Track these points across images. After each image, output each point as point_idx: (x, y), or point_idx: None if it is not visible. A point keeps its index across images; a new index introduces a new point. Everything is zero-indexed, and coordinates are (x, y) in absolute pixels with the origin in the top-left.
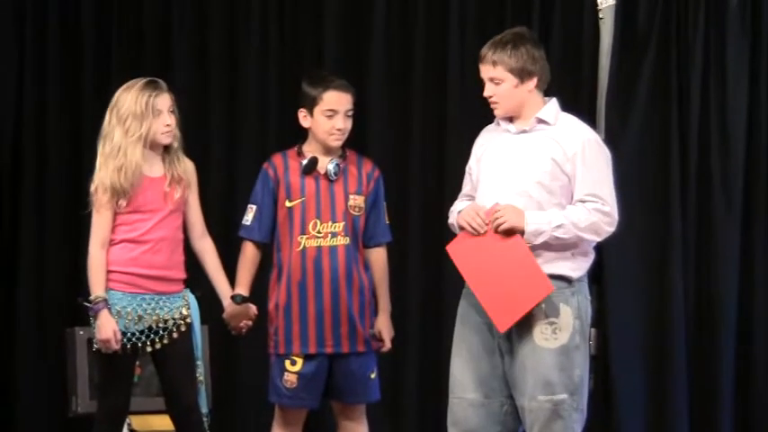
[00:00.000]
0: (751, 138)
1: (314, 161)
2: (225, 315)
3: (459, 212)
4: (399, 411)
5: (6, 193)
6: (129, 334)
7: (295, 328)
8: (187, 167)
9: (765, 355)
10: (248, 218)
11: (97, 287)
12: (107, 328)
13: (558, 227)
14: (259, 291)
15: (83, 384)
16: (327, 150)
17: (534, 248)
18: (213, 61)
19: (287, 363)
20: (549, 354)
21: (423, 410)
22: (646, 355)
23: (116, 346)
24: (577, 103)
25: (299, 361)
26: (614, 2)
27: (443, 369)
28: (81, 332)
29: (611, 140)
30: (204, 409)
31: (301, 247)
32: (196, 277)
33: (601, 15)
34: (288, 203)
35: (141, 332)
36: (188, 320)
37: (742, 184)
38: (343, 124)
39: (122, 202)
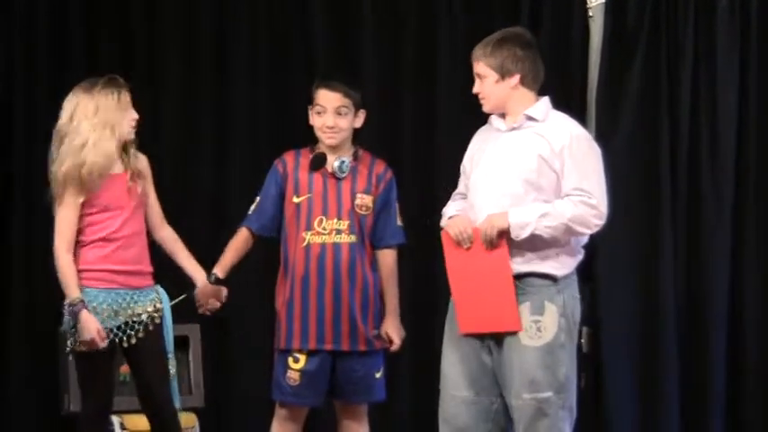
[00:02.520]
0: (741, 135)
1: (320, 157)
2: (196, 291)
3: (449, 218)
4: (392, 409)
5: None
6: (106, 330)
7: (296, 323)
8: (142, 162)
9: (756, 354)
10: (251, 208)
11: (71, 289)
12: (90, 328)
13: (544, 215)
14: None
15: (75, 383)
16: (336, 149)
17: (519, 247)
18: (201, 60)
19: (290, 360)
20: (534, 352)
21: (416, 408)
22: (637, 354)
23: (102, 344)
24: (567, 100)
25: (302, 358)
26: (604, 0)
27: (436, 367)
28: None
29: (601, 138)
30: (177, 404)
31: (305, 243)
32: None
33: (590, 13)
34: (295, 199)
35: (117, 328)
36: (160, 314)
37: (732, 181)
38: (333, 122)
39: (82, 199)
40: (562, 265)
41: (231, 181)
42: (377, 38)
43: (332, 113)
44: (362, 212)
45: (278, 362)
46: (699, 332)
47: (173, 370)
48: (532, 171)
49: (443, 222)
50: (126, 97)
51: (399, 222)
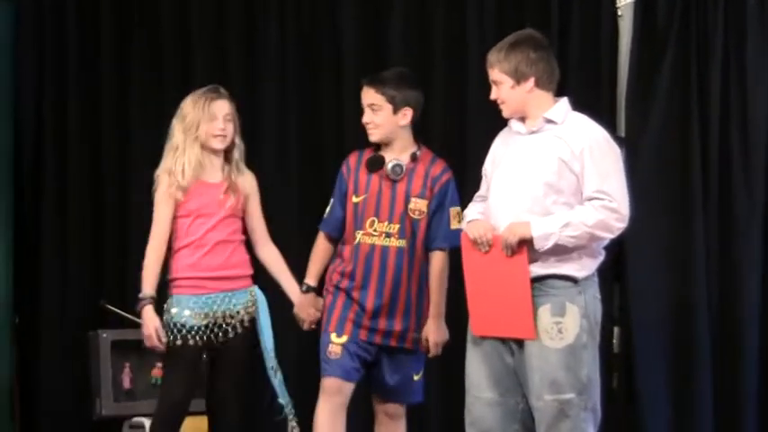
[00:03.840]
0: None
1: (376, 158)
2: (294, 310)
3: (468, 222)
4: (422, 412)
5: (28, 197)
6: (196, 328)
7: (335, 313)
8: (247, 180)
9: None
10: (327, 211)
11: (144, 286)
12: (149, 325)
13: (566, 225)
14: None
15: (106, 387)
16: (389, 147)
17: (545, 252)
18: (231, 60)
19: (333, 335)
20: (555, 353)
21: (449, 411)
22: (669, 353)
23: (158, 343)
24: (597, 100)
25: (345, 335)
26: None
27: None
28: (104, 335)
29: (631, 138)
30: (283, 399)
31: (357, 242)
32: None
33: (619, 12)
34: (354, 199)
35: (206, 327)
36: (251, 316)
37: (763, 179)
38: (367, 118)
39: (179, 198)
40: (583, 266)
41: (260, 179)
42: (406, 42)
43: (367, 110)
44: (416, 216)
45: (322, 339)
46: (731, 332)
47: (274, 365)
48: (553, 174)
49: (463, 225)
50: (218, 106)
51: (456, 225)
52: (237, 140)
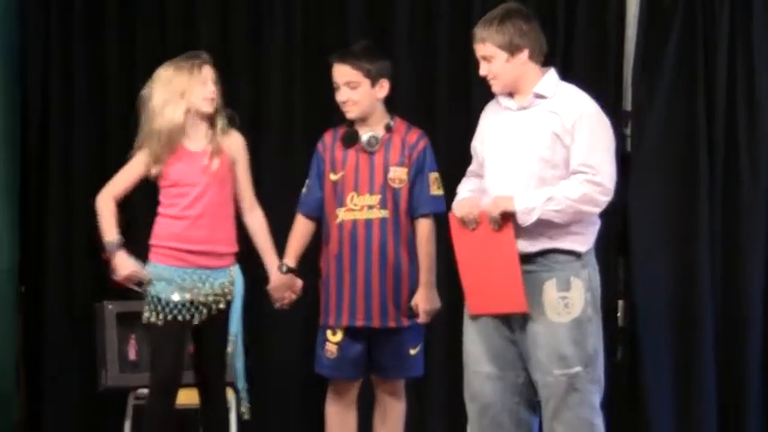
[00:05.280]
0: None
1: (351, 134)
2: (269, 286)
3: (456, 202)
4: (425, 387)
5: (34, 168)
6: (180, 305)
7: (332, 300)
8: (233, 141)
9: None
10: (303, 192)
11: (107, 233)
12: (125, 266)
13: (549, 200)
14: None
15: (112, 358)
16: (364, 122)
17: (543, 225)
18: (235, 46)
19: (328, 332)
20: (563, 328)
21: (453, 383)
22: (673, 326)
23: (143, 273)
24: (604, 75)
25: (340, 332)
26: None
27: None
28: (110, 306)
29: (637, 113)
30: (240, 384)
31: (339, 220)
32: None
33: None
34: (332, 176)
35: (183, 305)
36: (228, 297)
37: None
38: (344, 96)
39: (150, 163)
40: (586, 240)
41: (265, 170)
42: (411, 36)
43: (343, 88)
44: (396, 185)
45: (319, 334)
46: (735, 305)
47: (238, 349)
48: (547, 148)
49: (454, 203)
50: (203, 71)
51: (436, 191)
52: (220, 104)
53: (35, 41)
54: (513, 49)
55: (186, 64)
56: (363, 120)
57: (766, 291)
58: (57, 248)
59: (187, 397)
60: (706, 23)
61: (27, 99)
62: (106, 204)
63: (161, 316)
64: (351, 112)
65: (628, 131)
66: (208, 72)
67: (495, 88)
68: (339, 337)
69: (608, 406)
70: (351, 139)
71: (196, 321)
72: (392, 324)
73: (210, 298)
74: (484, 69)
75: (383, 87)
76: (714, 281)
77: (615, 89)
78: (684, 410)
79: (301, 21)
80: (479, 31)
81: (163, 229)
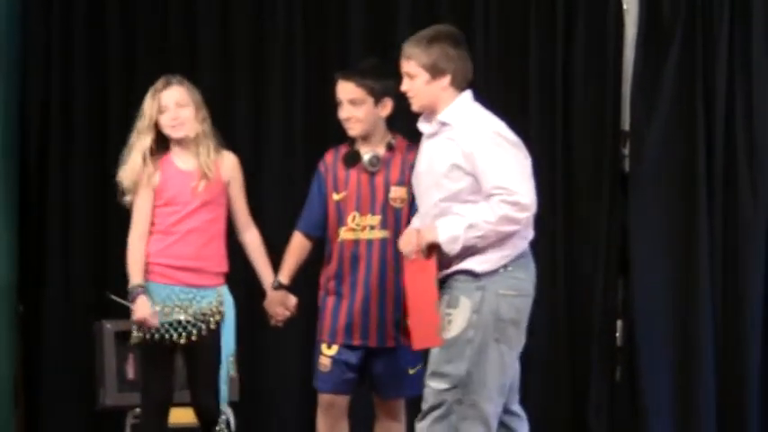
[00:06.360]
0: None
1: (352, 154)
2: (264, 303)
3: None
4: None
5: (33, 188)
6: (166, 325)
7: (328, 318)
8: (226, 161)
9: None
10: (303, 210)
11: (132, 276)
12: (143, 310)
13: (470, 227)
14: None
15: (110, 377)
16: (366, 140)
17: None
18: (238, 48)
19: (323, 346)
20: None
21: None
22: (672, 346)
23: (153, 322)
24: (602, 95)
25: (336, 346)
26: None
27: None
28: (108, 325)
29: (636, 133)
30: (223, 407)
31: (340, 240)
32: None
33: (625, 6)
34: (335, 196)
35: (170, 325)
36: (217, 318)
37: None
38: (347, 113)
39: (147, 192)
40: (486, 260)
41: (266, 181)
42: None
43: (346, 105)
44: (397, 205)
45: (315, 348)
46: (735, 323)
47: (232, 372)
48: (447, 179)
49: None
50: (167, 95)
51: None
52: (204, 125)
53: (36, 44)
54: (435, 72)
55: (151, 91)
56: (365, 138)
57: (766, 309)
58: (55, 268)
59: (182, 416)
60: (705, 43)
61: (26, 103)
62: (137, 248)
63: (147, 336)
64: (353, 130)
65: (626, 151)
66: (168, 97)
67: (414, 106)
68: (334, 350)
69: (609, 426)
70: (352, 160)
71: (183, 341)
72: (390, 344)
73: (200, 317)
74: (405, 85)
75: (386, 106)
76: (714, 299)
77: (614, 109)
78: (684, 431)
79: (301, 25)
80: (407, 48)
81: (152, 246)
